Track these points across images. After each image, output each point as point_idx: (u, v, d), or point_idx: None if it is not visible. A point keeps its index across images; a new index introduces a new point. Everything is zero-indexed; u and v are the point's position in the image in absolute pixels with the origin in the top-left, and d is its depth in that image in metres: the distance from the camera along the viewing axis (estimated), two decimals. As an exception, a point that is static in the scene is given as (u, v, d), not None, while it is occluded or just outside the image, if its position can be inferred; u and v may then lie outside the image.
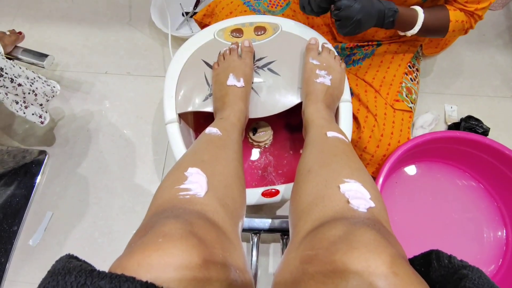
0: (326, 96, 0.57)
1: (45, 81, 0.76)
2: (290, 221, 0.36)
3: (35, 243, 0.78)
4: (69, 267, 0.21)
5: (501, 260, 0.67)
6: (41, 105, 0.74)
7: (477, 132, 0.82)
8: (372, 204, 0.30)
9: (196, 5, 1.03)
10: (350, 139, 0.60)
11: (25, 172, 0.86)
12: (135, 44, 1.04)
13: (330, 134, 0.45)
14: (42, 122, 0.75)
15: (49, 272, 0.22)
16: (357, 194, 0.30)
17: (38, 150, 0.89)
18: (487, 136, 0.83)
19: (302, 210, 0.33)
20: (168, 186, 0.32)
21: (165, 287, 0.21)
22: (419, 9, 0.61)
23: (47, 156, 0.88)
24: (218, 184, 0.34)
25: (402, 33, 0.65)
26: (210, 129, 0.46)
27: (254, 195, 0.57)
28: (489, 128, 0.84)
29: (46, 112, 0.77)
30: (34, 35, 1.06)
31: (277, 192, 0.57)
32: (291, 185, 0.58)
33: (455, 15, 0.63)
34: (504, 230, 0.69)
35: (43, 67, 0.80)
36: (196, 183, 0.31)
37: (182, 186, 0.31)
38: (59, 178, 0.86)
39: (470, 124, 0.84)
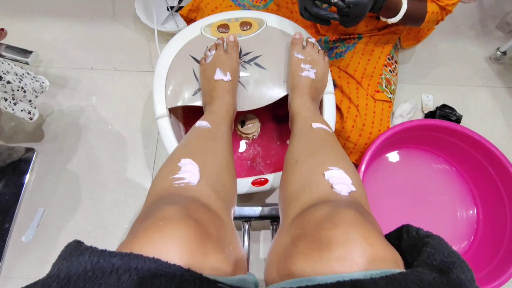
0: (311, 89, 0.60)
1: (34, 77, 0.76)
2: (280, 207, 0.39)
3: (28, 239, 0.79)
4: (80, 249, 0.23)
5: (472, 236, 0.73)
6: (30, 101, 0.74)
7: (451, 120, 0.88)
8: (354, 189, 0.33)
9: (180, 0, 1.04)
10: (333, 129, 0.64)
11: (13, 170, 0.86)
12: (121, 39, 1.04)
13: (316, 125, 0.48)
14: (31, 118, 0.75)
15: (60, 256, 0.24)
16: (340, 180, 0.33)
17: (25, 147, 0.89)
18: (460, 123, 0.89)
19: (291, 197, 0.36)
20: (163, 176, 0.35)
21: (169, 262, 0.23)
22: None
23: (35, 153, 0.88)
24: (210, 172, 0.37)
25: (383, 19, 0.67)
26: (200, 123, 0.49)
27: (244, 185, 0.60)
28: (462, 116, 0.89)
29: (35, 108, 0.77)
30: (15, 30, 1.04)
31: (266, 180, 0.60)
32: (279, 174, 0.62)
33: (431, 6, 0.68)
34: (475, 210, 0.75)
35: (28, 64, 0.79)
36: (189, 172, 0.34)
37: (176, 176, 0.33)
38: (49, 174, 0.86)
39: (444, 112, 0.89)
